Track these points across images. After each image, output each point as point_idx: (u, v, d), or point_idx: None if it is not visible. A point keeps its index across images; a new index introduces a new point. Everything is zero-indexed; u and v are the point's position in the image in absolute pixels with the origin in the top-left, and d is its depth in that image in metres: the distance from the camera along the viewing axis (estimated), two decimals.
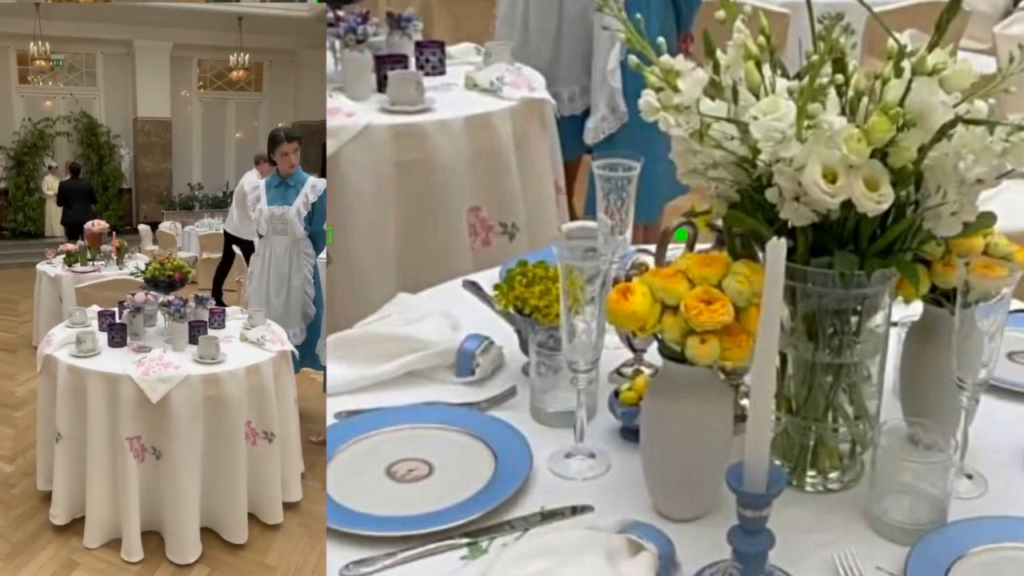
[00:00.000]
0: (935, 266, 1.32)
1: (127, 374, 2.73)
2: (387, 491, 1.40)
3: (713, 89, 1.26)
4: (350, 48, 3.24)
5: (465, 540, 1.28)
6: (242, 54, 10.83)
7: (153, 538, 2.83)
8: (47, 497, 3.03)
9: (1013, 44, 1.18)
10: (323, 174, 3.20)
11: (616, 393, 1.51)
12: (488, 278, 1.92)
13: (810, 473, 1.37)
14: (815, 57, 1.16)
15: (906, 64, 1.17)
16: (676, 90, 1.23)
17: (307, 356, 3.75)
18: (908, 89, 1.16)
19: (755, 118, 1.17)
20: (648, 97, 1.25)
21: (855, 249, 1.22)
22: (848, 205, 1.16)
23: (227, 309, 3.40)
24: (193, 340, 2.97)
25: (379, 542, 1.27)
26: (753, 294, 1.19)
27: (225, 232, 6.28)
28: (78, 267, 5.32)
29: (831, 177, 1.14)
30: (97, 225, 5.67)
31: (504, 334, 1.72)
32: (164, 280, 3.33)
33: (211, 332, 3.07)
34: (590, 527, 1.26)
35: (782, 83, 1.24)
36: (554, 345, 1.50)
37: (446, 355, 1.72)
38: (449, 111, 3.09)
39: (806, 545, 1.25)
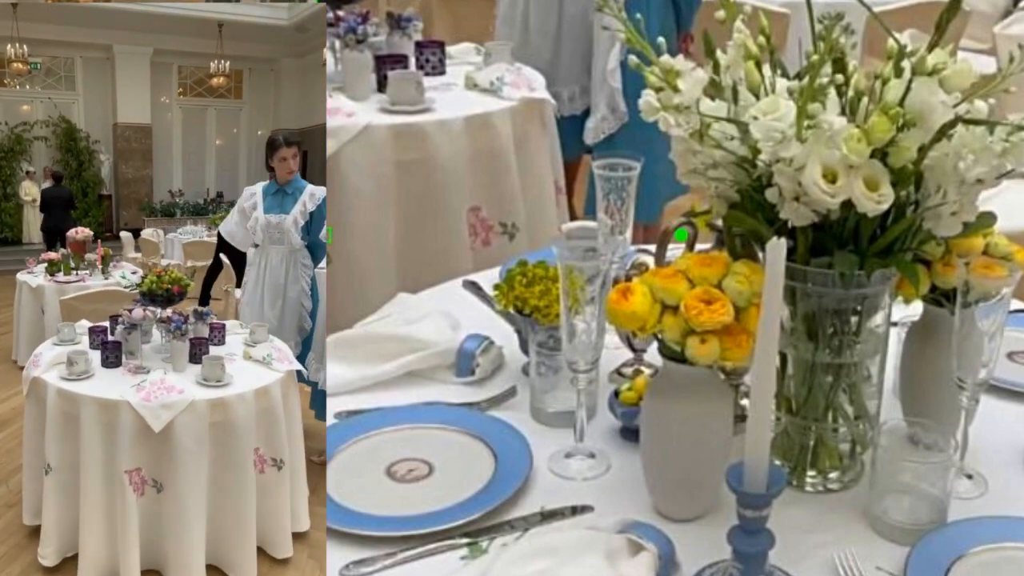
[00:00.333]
0: (935, 266, 1.32)
1: (126, 400, 2.46)
2: (387, 491, 1.40)
3: (713, 89, 1.27)
4: (350, 48, 3.24)
5: (465, 540, 1.28)
6: (222, 61, 10.70)
7: None
8: (34, 533, 2.73)
9: (1013, 44, 1.18)
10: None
11: (616, 393, 1.51)
12: (488, 278, 1.93)
13: (810, 473, 1.37)
14: (815, 57, 1.16)
15: (906, 64, 1.17)
16: (676, 90, 1.23)
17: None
18: (908, 89, 1.16)
19: (755, 118, 1.17)
20: (648, 97, 1.25)
21: (855, 249, 1.22)
22: (848, 205, 1.16)
23: (226, 324, 3.17)
24: (194, 359, 2.74)
25: (379, 542, 1.27)
26: (753, 294, 1.20)
27: (219, 234, 6.22)
28: (61, 276, 5.04)
29: (831, 177, 1.14)
30: (80, 233, 5.42)
31: (504, 334, 1.72)
32: (162, 294, 3.00)
33: (212, 350, 2.84)
34: (590, 527, 1.26)
35: (782, 83, 1.24)
36: (554, 345, 1.50)
37: (446, 355, 1.72)
38: (449, 111, 3.09)
39: (806, 545, 1.25)
